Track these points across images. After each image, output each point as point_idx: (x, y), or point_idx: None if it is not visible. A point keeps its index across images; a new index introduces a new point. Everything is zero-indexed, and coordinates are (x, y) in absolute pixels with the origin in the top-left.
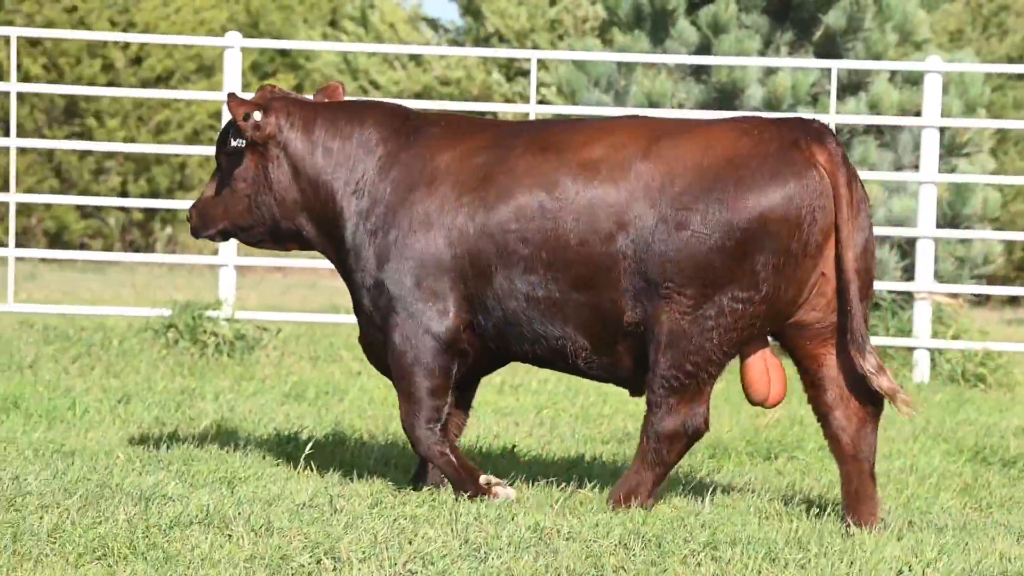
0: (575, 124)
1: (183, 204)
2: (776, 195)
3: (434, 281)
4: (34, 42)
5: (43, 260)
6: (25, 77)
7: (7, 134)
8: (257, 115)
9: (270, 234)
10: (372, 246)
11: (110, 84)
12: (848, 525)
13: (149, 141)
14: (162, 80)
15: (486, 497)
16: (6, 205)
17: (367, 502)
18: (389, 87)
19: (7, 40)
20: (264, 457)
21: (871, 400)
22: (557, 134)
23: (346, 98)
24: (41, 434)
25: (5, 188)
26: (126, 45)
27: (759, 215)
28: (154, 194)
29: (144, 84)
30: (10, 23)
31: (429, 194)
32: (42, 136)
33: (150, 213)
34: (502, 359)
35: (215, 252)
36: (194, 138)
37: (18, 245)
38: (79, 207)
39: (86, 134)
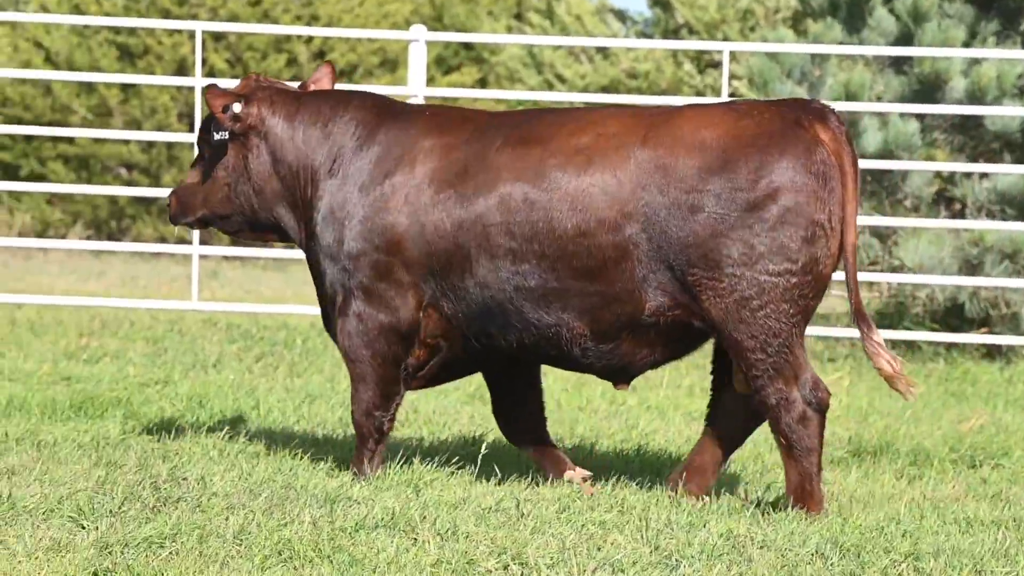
0: (562, 114)
1: None
2: (790, 169)
3: (398, 269)
4: (218, 36)
5: (225, 258)
6: (210, 72)
7: (192, 129)
8: (237, 107)
9: (248, 224)
10: (339, 228)
11: (293, 79)
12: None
13: None
14: (345, 74)
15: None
16: None
17: (554, 507)
18: (575, 81)
19: (192, 35)
20: (448, 459)
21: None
22: (534, 125)
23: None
24: (226, 434)
25: None
26: (309, 39)
27: (775, 190)
28: None
29: None
30: (194, 17)
31: (404, 182)
32: None
33: None
34: (496, 355)
35: None
36: None
37: (201, 243)
38: None
39: None
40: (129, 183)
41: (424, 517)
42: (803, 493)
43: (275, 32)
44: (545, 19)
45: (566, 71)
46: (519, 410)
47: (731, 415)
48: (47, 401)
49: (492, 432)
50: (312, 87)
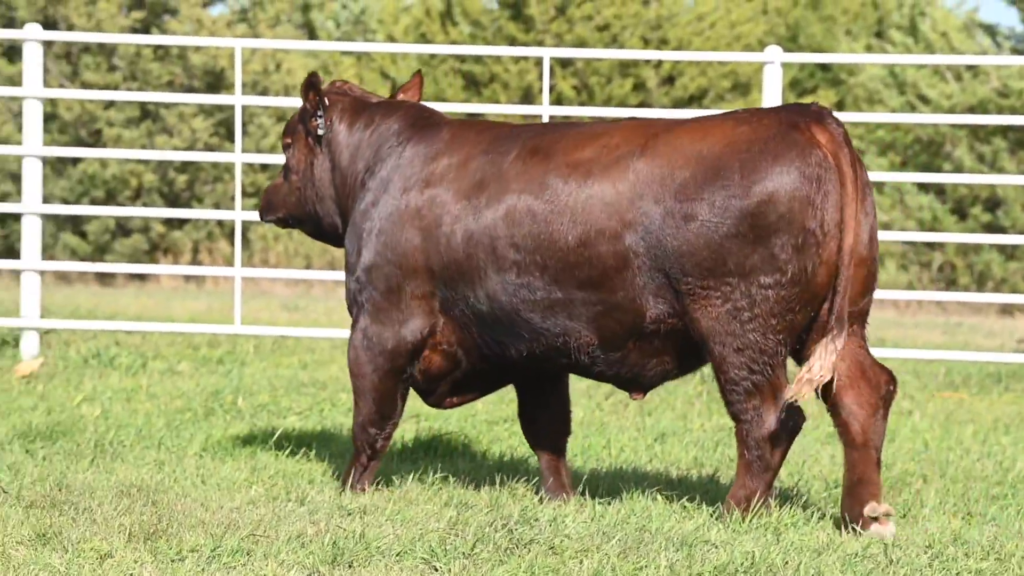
0: (574, 127)
1: None
2: (782, 175)
3: (410, 283)
4: (565, 63)
5: None
6: (557, 99)
7: None
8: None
9: (317, 229)
10: (358, 240)
11: (640, 105)
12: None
13: None
14: (695, 99)
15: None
16: None
17: (926, 555)
18: (940, 101)
19: (538, 61)
20: (808, 502)
21: (884, 385)
22: (547, 138)
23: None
24: (577, 474)
25: None
26: (658, 63)
27: (768, 197)
28: None
29: (676, 104)
30: (541, 43)
31: (419, 196)
32: None
33: None
34: (512, 365)
35: None
36: None
37: None
38: None
39: None
40: None
41: (786, 563)
42: (743, 507)
43: (623, 57)
44: (908, 36)
45: (930, 91)
46: (541, 412)
47: (858, 419)
48: (396, 439)
49: None
50: (400, 96)
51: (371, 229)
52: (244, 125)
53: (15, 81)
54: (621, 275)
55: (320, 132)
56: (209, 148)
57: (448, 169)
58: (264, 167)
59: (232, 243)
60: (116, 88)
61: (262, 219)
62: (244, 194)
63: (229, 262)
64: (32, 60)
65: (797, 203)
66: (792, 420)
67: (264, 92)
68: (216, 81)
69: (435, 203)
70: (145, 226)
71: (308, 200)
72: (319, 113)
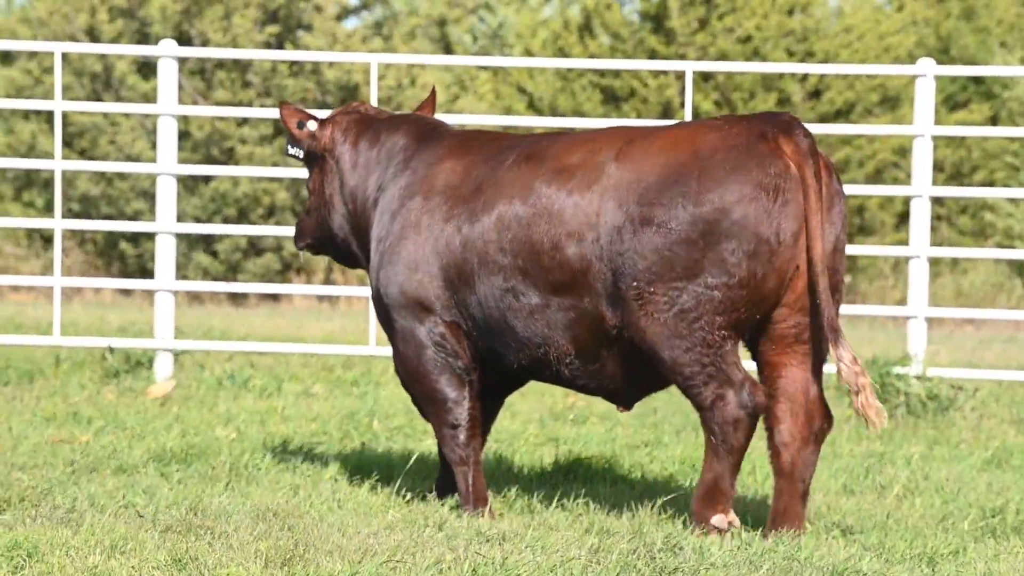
0: (569, 135)
1: None
2: (738, 184)
3: (423, 288)
4: (707, 76)
5: None
6: (695, 113)
7: None
8: (312, 125)
9: (335, 250)
10: (377, 254)
11: None
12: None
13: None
14: (842, 114)
15: (481, 515)
16: None
17: None
18: None
19: (679, 75)
20: (967, 529)
21: (820, 420)
22: (543, 145)
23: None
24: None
25: None
26: (804, 77)
27: (721, 205)
28: None
29: (822, 119)
30: (683, 57)
31: (424, 203)
32: None
33: None
34: (504, 376)
35: (901, 302)
36: (876, 177)
37: None
38: None
39: None
40: None
41: None
42: (714, 490)
43: (768, 70)
44: None
45: None
46: (493, 405)
47: (789, 449)
48: (535, 463)
49: (1015, 503)
50: (419, 113)
51: (386, 242)
52: None
53: (149, 98)
54: (585, 279)
55: (292, 153)
56: None
57: (451, 176)
58: None
59: None
60: (250, 104)
61: (296, 247)
62: None
63: (363, 282)
64: (167, 77)
65: (751, 211)
66: (752, 400)
67: (398, 107)
68: (350, 96)
69: (437, 209)
70: (277, 245)
71: (324, 220)
72: (309, 128)
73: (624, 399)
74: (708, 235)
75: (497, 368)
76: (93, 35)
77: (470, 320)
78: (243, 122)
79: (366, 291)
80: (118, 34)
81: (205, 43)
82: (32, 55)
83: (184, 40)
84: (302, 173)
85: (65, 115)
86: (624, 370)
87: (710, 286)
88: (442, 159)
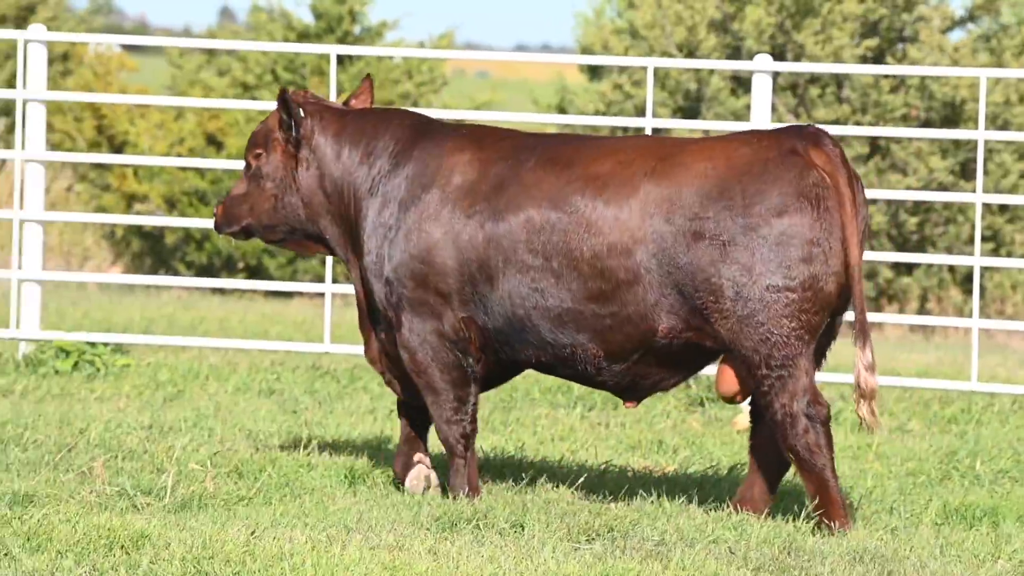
0: (587, 139)
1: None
2: (782, 194)
3: (436, 279)
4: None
5: None
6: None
7: None
8: (302, 112)
9: (292, 235)
10: (384, 243)
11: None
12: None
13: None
14: None
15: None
16: None
17: None
18: None
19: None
20: None
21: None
22: (563, 148)
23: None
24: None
25: None
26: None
27: (769, 214)
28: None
29: None
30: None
31: (440, 195)
32: None
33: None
34: (511, 368)
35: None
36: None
37: None
38: None
39: None
40: None
41: None
42: (824, 502)
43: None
44: None
45: None
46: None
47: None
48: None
49: None
50: (353, 103)
51: (394, 231)
52: (983, 162)
53: (740, 116)
54: (632, 290)
55: (294, 142)
56: (943, 187)
57: (467, 171)
58: (1003, 208)
59: (965, 291)
60: (845, 122)
61: (219, 232)
62: (982, 238)
63: (960, 312)
64: (761, 92)
65: (798, 219)
66: (814, 410)
67: (1005, 126)
68: (953, 114)
69: (456, 201)
70: (871, 271)
71: (288, 205)
72: (294, 123)
73: (635, 395)
74: (760, 243)
75: (504, 361)
76: (687, 49)
77: (487, 315)
78: (839, 140)
79: (968, 322)
80: (711, 50)
81: (797, 58)
82: (622, 69)
83: (778, 55)
84: (901, 195)
85: None
86: (645, 369)
87: (771, 289)
88: (452, 152)
